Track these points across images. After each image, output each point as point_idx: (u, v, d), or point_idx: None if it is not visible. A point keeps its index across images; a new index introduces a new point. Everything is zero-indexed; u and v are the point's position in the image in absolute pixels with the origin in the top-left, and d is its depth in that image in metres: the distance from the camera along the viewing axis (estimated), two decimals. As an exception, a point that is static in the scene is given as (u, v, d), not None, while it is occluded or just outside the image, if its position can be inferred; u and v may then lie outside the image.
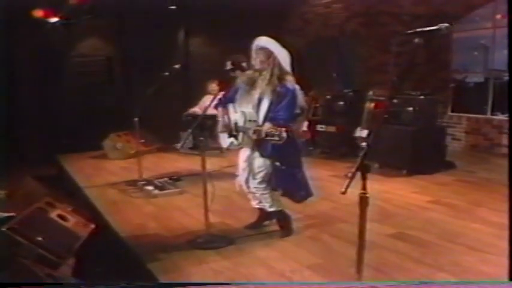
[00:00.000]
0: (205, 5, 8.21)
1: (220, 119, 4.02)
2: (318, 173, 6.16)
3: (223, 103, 4.01)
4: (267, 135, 3.39)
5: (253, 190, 3.89)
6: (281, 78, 3.67)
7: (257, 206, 4.08)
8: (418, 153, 6.14)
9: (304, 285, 3.15)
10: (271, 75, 3.66)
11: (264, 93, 3.68)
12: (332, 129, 7.39)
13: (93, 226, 4.20)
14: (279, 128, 3.35)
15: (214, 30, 8.92)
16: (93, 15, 8.33)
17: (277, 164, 3.70)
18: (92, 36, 9.05)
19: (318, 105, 7.71)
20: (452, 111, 7.53)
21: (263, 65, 3.69)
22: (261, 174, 3.80)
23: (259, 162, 3.77)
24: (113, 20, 8.96)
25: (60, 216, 4.08)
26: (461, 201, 4.85)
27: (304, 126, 7.34)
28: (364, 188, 2.27)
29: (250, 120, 3.62)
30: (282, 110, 3.59)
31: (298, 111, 3.75)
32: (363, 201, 2.27)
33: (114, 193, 5.56)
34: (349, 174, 2.20)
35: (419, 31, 2.39)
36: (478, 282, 3.00)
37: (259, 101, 3.71)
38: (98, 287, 2.92)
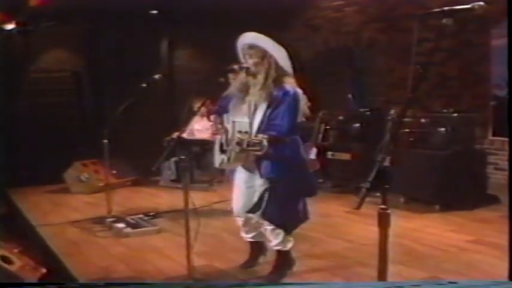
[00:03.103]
0: (192, 10, 8.21)
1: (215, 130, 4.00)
2: (330, 209, 6.13)
3: (219, 112, 3.99)
4: (248, 145, 3.31)
5: (265, 223, 3.77)
6: (279, 80, 3.62)
7: (251, 239, 4.00)
8: (453, 184, 6.01)
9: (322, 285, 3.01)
10: (266, 78, 3.62)
11: (258, 99, 3.64)
12: (346, 156, 7.29)
13: (44, 270, 4.04)
14: (259, 136, 3.34)
15: (203, 39, 8.90)
16: (57, 21, 8.32)
17: (277, 185, 3.61)
18: (56, 48, 9.02)
19: (328, 127, 7.60)
20: (494, 134, 7.38)
21: (258, 67, 3.65)
22: (272, 202, 3.67)
23: (265, 187, 3.66)
24: (81, 28, 8.95)
25: (3, 258, 3.96)
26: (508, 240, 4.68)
27: (313, 153, 7.21)
28: (384, 202, 2.11)
29: (240, 132, 3.54)
30: (278, 117, 3.53)
31: (300, 119, 3.67)
32: (383, 218, 2.10)
33: (76, 232, 5.49)
34: (364, 185, 2.05)
35: (447, 10, 2.31)
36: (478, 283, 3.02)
37: (254, 109, 3.67)
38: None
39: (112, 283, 2.95)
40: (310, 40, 8.94)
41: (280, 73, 3.63)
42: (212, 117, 4.03)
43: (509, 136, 3.50)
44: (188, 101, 7.45)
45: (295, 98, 3.58)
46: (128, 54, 8.63)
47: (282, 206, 3.66)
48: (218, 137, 3.94)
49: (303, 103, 3.66)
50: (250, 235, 4.01)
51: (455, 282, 3.10)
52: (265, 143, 3.30)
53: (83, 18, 8.62)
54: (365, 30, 8.21)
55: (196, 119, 7.48)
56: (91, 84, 9.25)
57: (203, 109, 7.29)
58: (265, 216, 3.69)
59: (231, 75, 4.10)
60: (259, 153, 3.35)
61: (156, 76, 5.57)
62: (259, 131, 3.55)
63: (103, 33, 8.89)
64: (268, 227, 3.77)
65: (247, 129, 3.56)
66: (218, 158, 3.88)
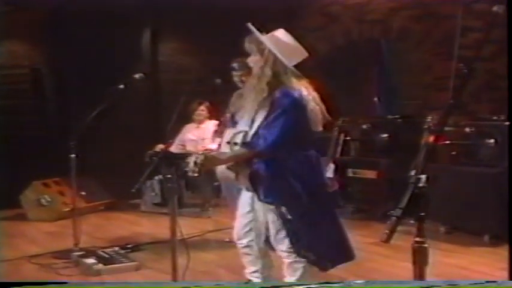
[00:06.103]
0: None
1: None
2: (351, 239, 6.04)
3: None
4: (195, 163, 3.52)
5: (285, 255, 3.77)
6: (278, 81, 3.61)
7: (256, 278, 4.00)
8: (505, 210, 5.96)
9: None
10: (259, 76, 3.63)
11: (257, 105, 3.66)
12: (371, 174, 7.36)
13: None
14: (199, 155, 3.48)
15: (195, 30, 8.94)
16: (13, 6, 8.36)
17: (283, 210, 3.63)
18: (11, 38, 9.05)
19: (349, 138, 7.61)
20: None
21: (257, 64, 3.68)
22: (283, 231, 3.71)
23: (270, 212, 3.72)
24: (42, 14, 8.99)
25: None
26: None
27: (330, 171, 7.21)
28: (420, 233, 2.09)
29: (235, 143, 3.62)
30: (266, 127, 3.54)
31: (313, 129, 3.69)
32: (419, 254, 2.08)
33: (33, 270, 5.45)
34: (394, 213, 2.04)
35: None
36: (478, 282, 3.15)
37: (254, 116, 3.69)
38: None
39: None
40: (328, 31, 8.99)
41: (281, 71, 3.61)
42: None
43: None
44: (179, 104, 7.43)
45: (295, 103, 3.56)
46: (101, 47, 8.63)
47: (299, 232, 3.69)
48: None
49: (315, 109, 3.65)
50: (255, 269, 4.00)
51: (494, 281, 3.22)
52: (191, 165, 3.49)
53: (44, 3, 8.65)
54: (395, 18, 8.25)
55: (189, 126, 7.47)
56: (54, 84, 9.27)
57: (199, 114, 7.41)
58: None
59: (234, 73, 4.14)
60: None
61: (137, 76, 5.57)
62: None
63: (70, 21, 8.90)
64: (287, 260, 3.76)
65: (238, 141, 3.66)
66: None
